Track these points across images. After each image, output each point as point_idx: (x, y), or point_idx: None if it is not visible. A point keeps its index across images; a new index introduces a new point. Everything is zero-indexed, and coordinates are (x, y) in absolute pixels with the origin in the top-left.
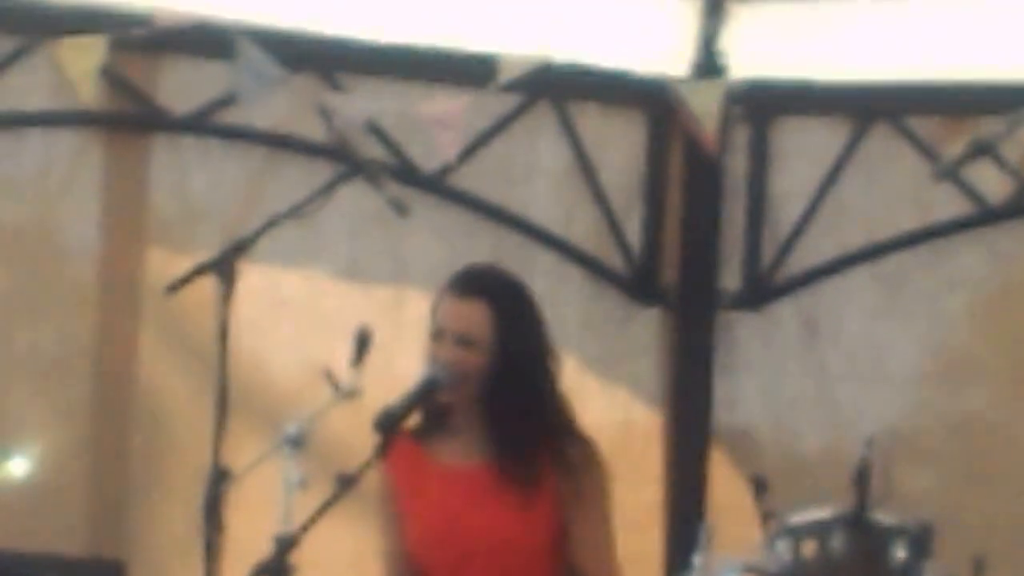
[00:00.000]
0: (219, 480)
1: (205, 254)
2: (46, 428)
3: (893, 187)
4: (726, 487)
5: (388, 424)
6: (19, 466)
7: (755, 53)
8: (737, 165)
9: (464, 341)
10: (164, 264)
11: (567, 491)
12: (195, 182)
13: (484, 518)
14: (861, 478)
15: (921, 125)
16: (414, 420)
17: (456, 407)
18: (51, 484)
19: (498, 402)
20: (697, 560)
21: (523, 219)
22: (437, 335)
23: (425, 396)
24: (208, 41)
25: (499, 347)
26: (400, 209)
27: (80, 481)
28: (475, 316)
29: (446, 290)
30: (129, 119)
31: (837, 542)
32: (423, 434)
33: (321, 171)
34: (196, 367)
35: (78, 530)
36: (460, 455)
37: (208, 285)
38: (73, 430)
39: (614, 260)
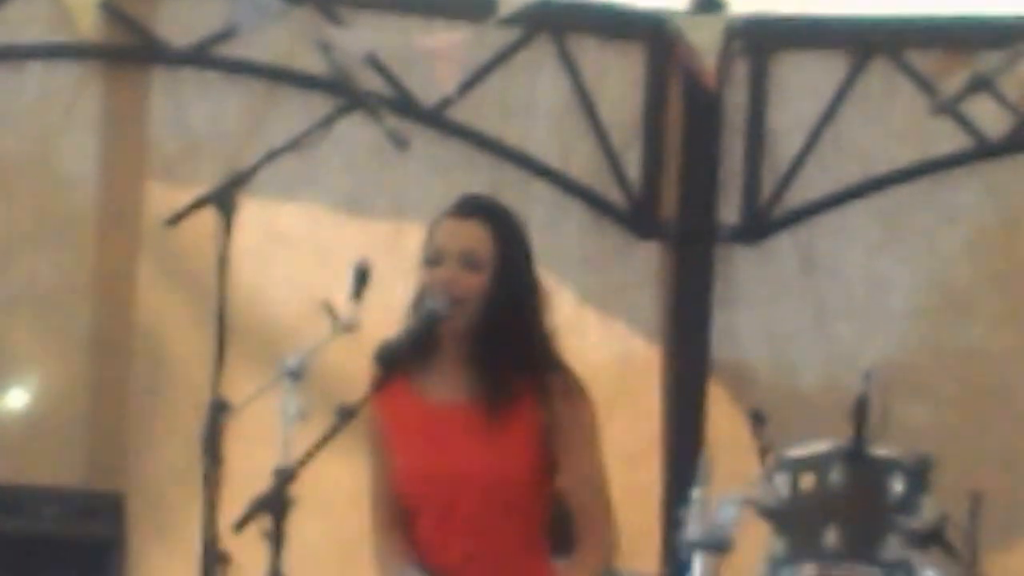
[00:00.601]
0: (218, 412)
1: (204, 187)
2: (45, 361)
3: (891, 121)
4: (724, 421)
5: (388, 357)
6: (18, 399)
7: None
8: (736, 99)
9: (467, 259)
10: (163, 197)
11: (552, 423)
12: (194, 115)
13: (471, 454)
14: (859, 411)
15: (920, 59)
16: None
17: (447, 340)
18: (50, 416)
19: (489, 333)
20: (695, 493)
21: (522, 153)
22: (436, 258)
23: (426, 329)
24: None
25: (498, 270)
26: (399, 142)
27: (79, 413)
28: (478, 236)
29: (443, 215)
30: (128, 52)
31: (835, 475)
32: (408, 368)
33: (320, 104)
34: (195, 300)
35: (77, 462)
36: (446, 392)
37: (207, 218)
38: (72, 363)
39: (613, 194)
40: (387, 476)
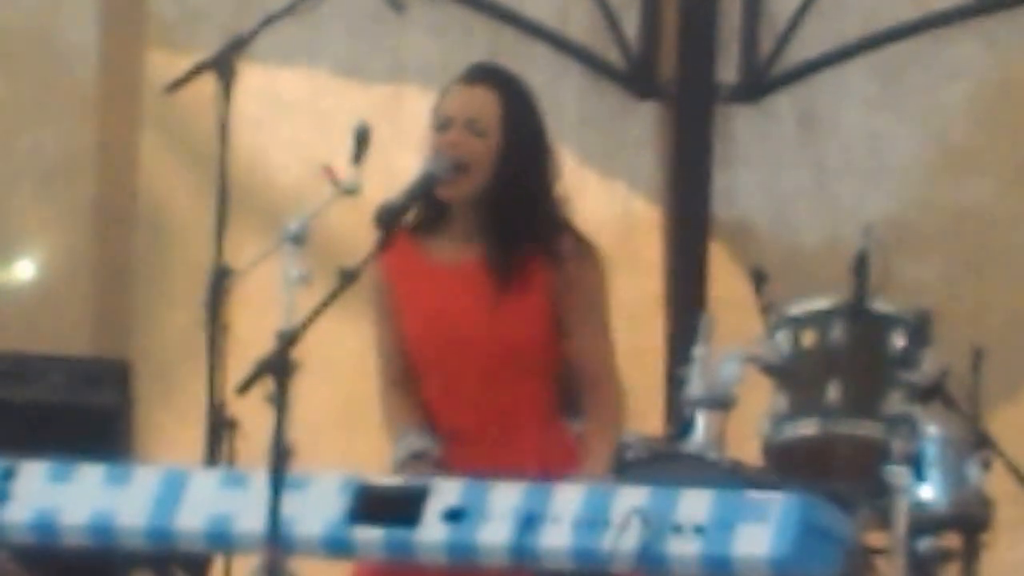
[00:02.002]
0: (221, 278)
1: (204, 54)
2: (49, 231)
3: None
4: (726, 279)
5: (388, 218)
6: (24, 269)
7: None
8: None
9: (472, 126)
10: (164, 65)
11: (560, 284)
12: None
13: (480, 318)
14: (860, 267)
15: None
16: (410, 216)
17: (454, 203)
18: (55, 286)
19: (498, 195)
20: (698, 352)
21: (520, 14)
22: (443, 124)
23: (424, 190)
24: None
25: (505, 137)
26: (397, 6)
27: (84, 283)
28: (484, 102)
29: (453, 82)
30: None
31: (836, 331)
32: (418, 232)
33: None
34: (197, 167)
35: (83, 331)
36: (454, 252)
37: (208, 85)
38: (76, 232)
39: (611, 54)
40: (393, 335)
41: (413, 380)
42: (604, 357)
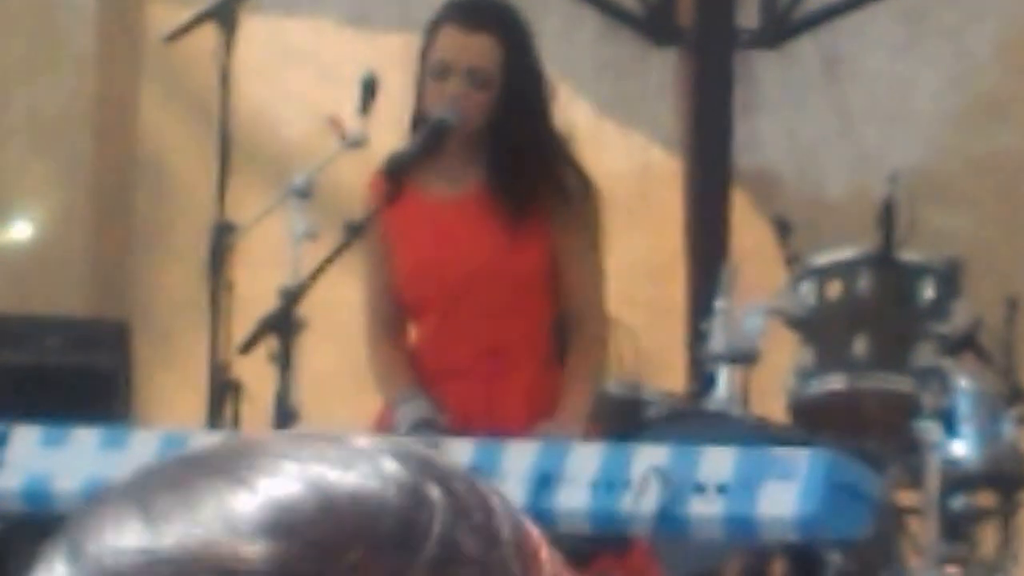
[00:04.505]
0: (223, 235)
1: (206, 4)
2: (46, 188)
3: None
4: (748, 230)
5: (398, 169)
6: (21, 230)
7: None
8: None
9: (473, 76)
10: (164, 17)
11: (558, 221)
12: None
13: (475, 246)
14: (886, 215)
15: None
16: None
17: (452, 142)
18: (53, 245)
19: (500, 133)
20: (720, 305)
21: None
22: (442, 71)
23: (437, 138)
24: None
25: (507, 81)
26: None
27: (82, 241)
28: (485, 50)
29: (447, 21)
30: None
31: (863, 282)
32: (413, 173)
33: None
34: (199, 121)
35: (80, 291)
36: (449, 184)
37: (209, 36)
38: (74, 189)
39: None
40: (385, 282)
41: (402, 328)
42: (595, 296)
